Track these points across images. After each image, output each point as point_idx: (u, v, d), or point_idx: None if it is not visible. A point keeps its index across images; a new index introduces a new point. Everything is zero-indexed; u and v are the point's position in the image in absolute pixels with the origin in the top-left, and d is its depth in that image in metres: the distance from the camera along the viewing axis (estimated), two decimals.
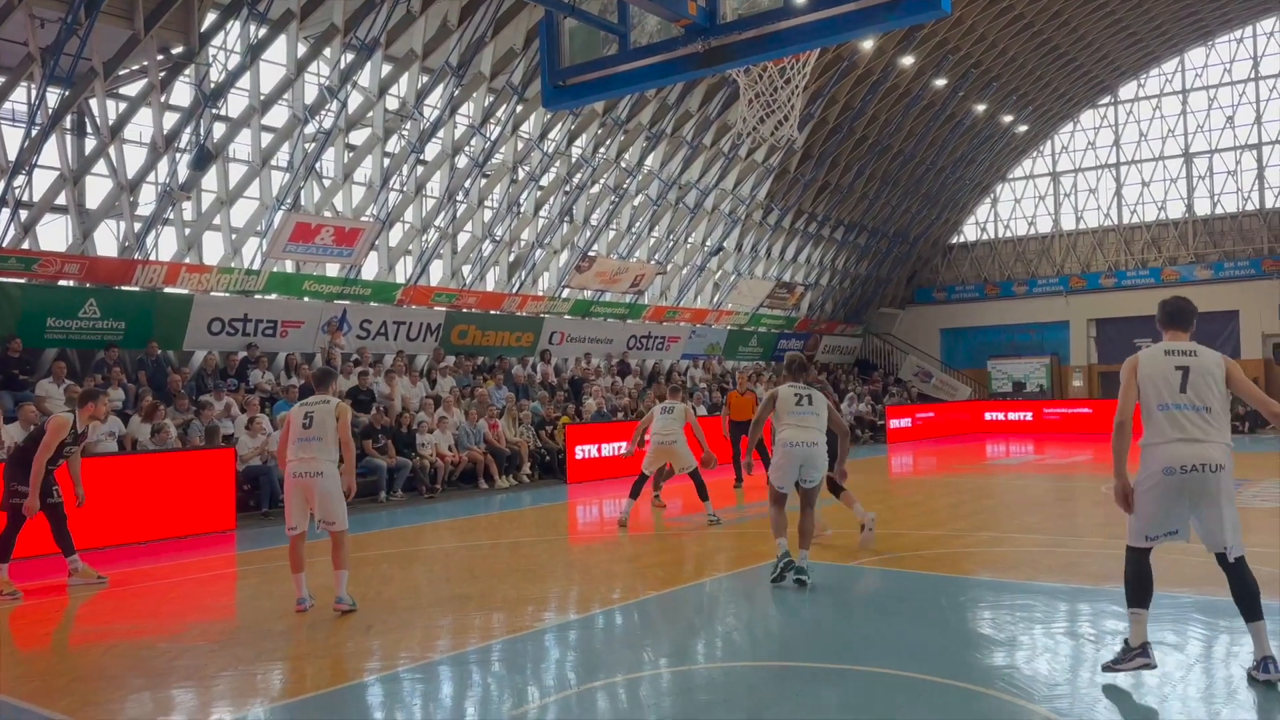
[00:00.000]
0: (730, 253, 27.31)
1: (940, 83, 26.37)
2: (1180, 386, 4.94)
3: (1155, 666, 5.06)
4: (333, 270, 18.23)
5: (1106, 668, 5.15)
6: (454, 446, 15.73)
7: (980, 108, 28.58)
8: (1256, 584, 4.90)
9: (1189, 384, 4.93)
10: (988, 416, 29.20)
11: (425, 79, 18.30)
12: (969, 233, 35.26)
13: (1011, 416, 28.71)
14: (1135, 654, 5.07)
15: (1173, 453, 4.90)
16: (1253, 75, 29.92)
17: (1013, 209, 34.31)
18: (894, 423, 26.08)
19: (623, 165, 22.74)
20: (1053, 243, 33.22)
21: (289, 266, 17.75)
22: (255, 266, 17.06)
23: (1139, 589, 5.09)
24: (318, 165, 17.67)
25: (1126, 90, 32.01)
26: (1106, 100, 32.29)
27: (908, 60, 24.66)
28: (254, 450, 13.17)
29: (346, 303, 18.31)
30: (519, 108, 19.72)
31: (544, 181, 21.79)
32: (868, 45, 23.26)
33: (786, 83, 4.65)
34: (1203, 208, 30.71)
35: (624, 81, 4.40)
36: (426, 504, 14.11)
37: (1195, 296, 23.69)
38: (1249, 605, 4.90)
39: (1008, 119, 30.12)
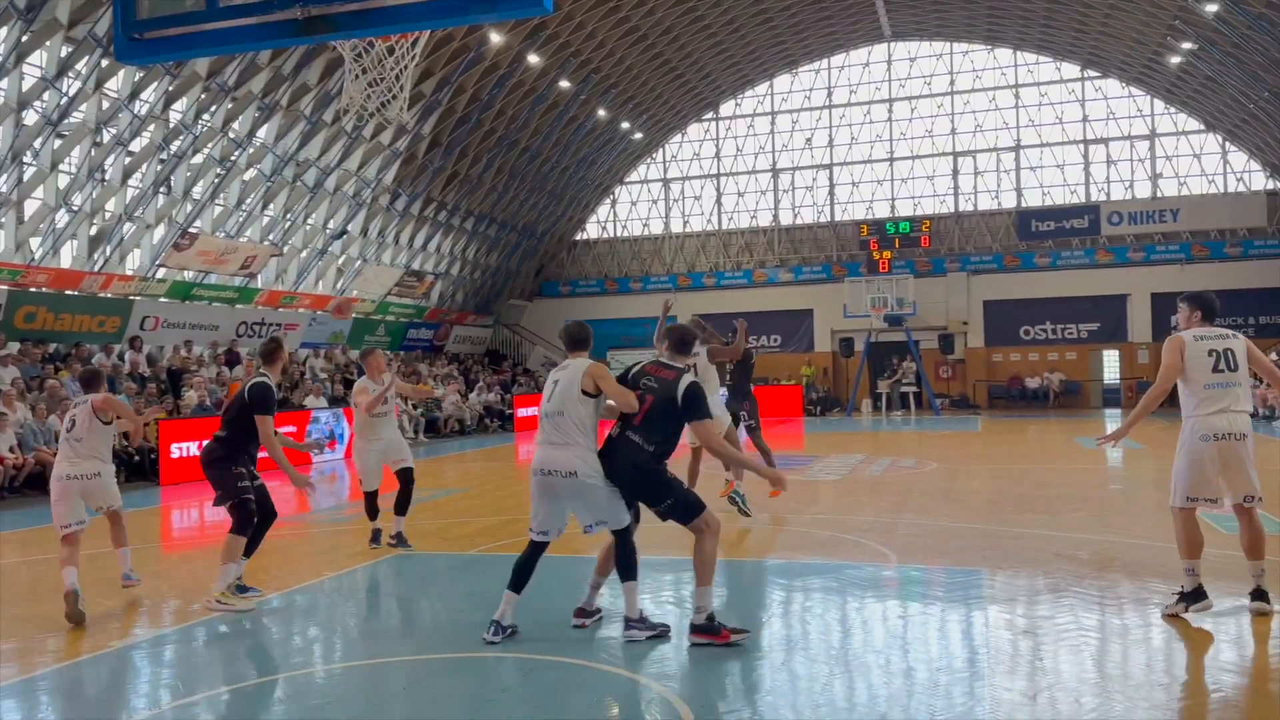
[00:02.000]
0: (355, 237, 26.27)
1: (565, 84, 27.33)
2: (548, 396, 5.70)
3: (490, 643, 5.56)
4: None
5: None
6: (16, 448, 13.56)
7: (601, 113, 30.04)
8: (634, 552, 5.67)
9: (554, 395, 5.68)
10: None
11: None
12: (591, 230, 36.97)
13: None
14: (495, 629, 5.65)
15: (536, 456, 5.69)
16: (827, 103, 34.36)
17: (630, 210, 36.51)
18: (521, 411, 26.67)
19: (231, 136, 20.95)
20: (664, 244, 35.82)
21: None
22: None
23: (515, 574, 5.73)
24: None
25: (726, 108, 35.32)
26: (710, 116, 35.40)
27: (534, 59, 25.24)
28: None
29: None
30: (104, 62, 17.41)
31: (134, 147, 19.45)
32: (496, 38, 23.49)
33: (396, 61, 4.50)
34: (786, 218, 34.76)
35: (212, 40, 3.99)
36: None
37: (778, 297, 26.62)
38: (626, 568, 5.65)
39: (625, 125, 31.96)
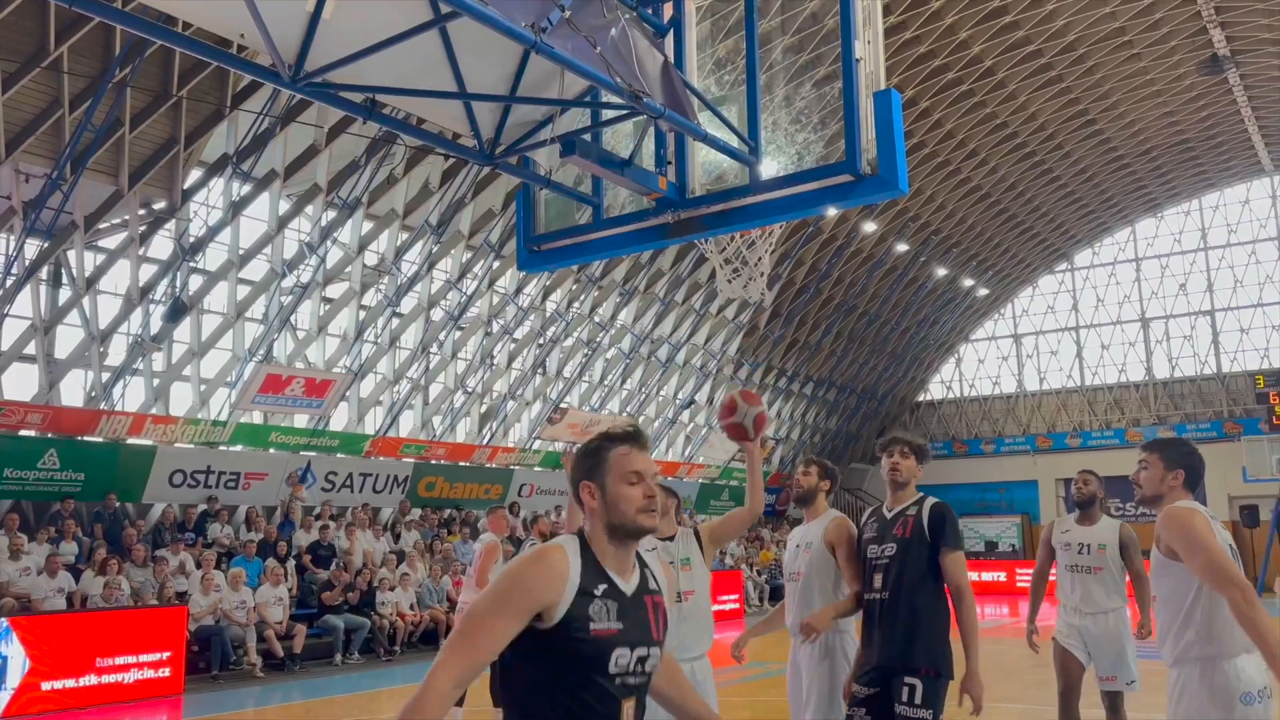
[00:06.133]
0: (701, 406, 27.49)
1: (902, 248, 27.37)
2: None
3: None
4: (301, 421, 18.09)
5: None
6: (415, 605, 15.23)
7: (941, 272, 29.58)
8: None
9: None
10: None
11: (405, 236, 18.73)
12: (935, 391, 35.82)
13: (985, 577, 28.36)
14: None
15: None
16: (1201, 245, 31.32)
17: (977, 369, 35.03)
18: None
19: (596, 320, 23.11)
20: (1018, 402, 33.76)
21: (257, 418, 17.60)
22: (223, 417, 16.89)
23: None
24: (293, 318, 17.80)
25: (1082, 257, 33.33)
26: (1064, 267, 33.55)
27: (870, 227, 25.65)
28: (206, 609, 12.66)
29: (312, 454, 18.07)
30: (495, 264, 20.15)
31: (518, 335, 22.03)
32: (832, 213, 24.24)
33: (750, 246, 4.86)
34: (1162, 371, 31.50)
35: (596, 248, 4.54)
36: (385, 667, 13.51)
37: None
38: None
39: (968, 283, 31.15)
